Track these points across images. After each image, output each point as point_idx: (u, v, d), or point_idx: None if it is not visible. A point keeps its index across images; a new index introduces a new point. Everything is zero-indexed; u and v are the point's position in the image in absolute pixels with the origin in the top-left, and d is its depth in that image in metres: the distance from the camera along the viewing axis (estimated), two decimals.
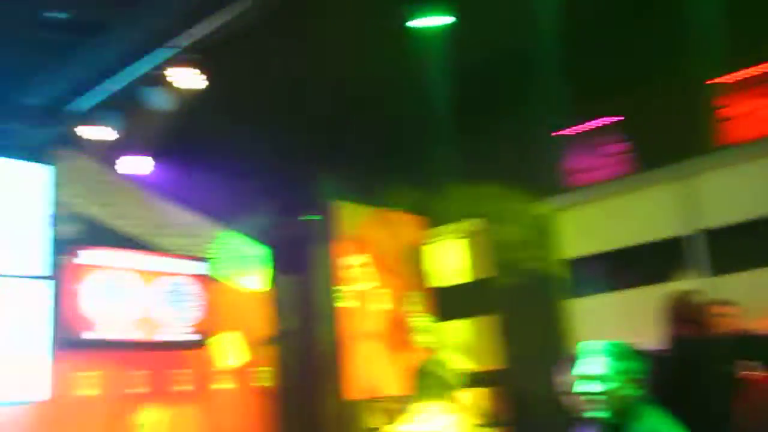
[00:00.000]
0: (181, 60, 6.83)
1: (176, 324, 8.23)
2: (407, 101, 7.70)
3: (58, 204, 7.77)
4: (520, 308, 8.56)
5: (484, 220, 9.26)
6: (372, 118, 8.17)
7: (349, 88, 7.71)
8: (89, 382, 7.66)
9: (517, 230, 8.80)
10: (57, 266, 7.59)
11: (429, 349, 9.03)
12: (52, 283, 7.44)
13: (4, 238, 7.23)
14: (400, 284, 9.21)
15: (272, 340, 9.39)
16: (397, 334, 8.95)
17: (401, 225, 9.50)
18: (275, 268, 9.47)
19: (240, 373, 9.01)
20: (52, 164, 7.79)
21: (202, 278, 8.64)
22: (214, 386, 8.73)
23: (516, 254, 8.73)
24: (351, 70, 7.50)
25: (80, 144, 7.88)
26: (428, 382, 2.93)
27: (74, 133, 7.65)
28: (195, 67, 6.90)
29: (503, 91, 7.85)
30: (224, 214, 9.14)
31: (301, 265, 9.12)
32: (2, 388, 6.89)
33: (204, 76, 6.97)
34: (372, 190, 9.09)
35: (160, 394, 8.17)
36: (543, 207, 8.57)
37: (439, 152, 8.24)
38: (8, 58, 6.76)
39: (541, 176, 8.38)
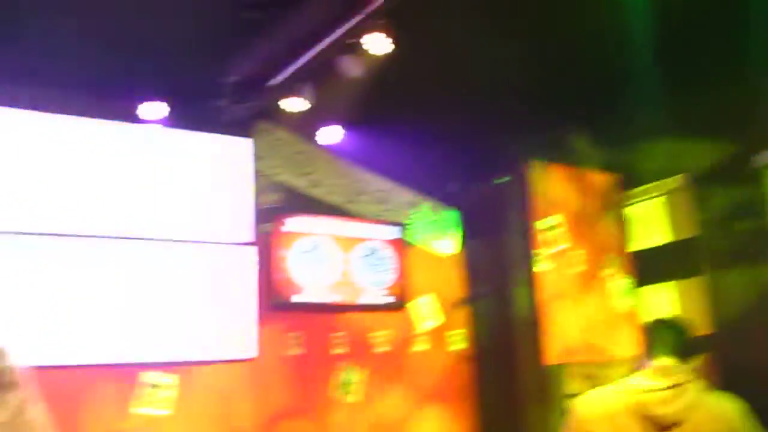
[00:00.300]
0: (372, 26, 6.86)
1: (373, 288, 8.42)
2: (604, 54, 7.31)
3: (259, 175, 8.13)
4: (729, 270, 8.01)
5: (687, 177, 8.70)
6: (566, 74, 7.83)
7: (541, 44, 7.43)
8: (293, 343, 8.03)
9: (725, 186, 8.19)
10: (260, 233, 7.98)
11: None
12: (254, 249, 7.78)
13: (212, 208, 7.66)
14: (597, 246, 8.87)
15: (466, 304, 9.42)
16: (595, 297, 8.65)
17: (598, 184, 9.13)
18: (468, 231, 9.46)
19: (435, 336, 9.11)
20: (253, 137, 8.15)
21: (397, 243, 8.76)
22: (411, 348, 8.88)
23: (723, 212, 8.14)
24: (543, 26, 7.22)
25: (278, 116, 8.21)
26: (661, 339, 2.73)
27: (272, 106, 7.96)
28: (385, 32, 6.91)
29: (714, 39, 7.25)
30: (417, 179, 9.21)
31: (493, 228, 9.04)
32: (213, 347, 7.34)
33: (394, 41, 6.98)
34: (566, 149, 8.79)
35: (359, 355, 8.42)
36: (755, 162, 7.89)
37: (639, 106, 7.79)
38: (209, 39, 7.12)
39: (754, 129, 7.70)
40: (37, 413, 1.73)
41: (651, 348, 2.88)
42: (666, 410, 2.43)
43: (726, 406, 2.46)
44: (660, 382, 2.51)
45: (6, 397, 1.65)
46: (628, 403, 2.57)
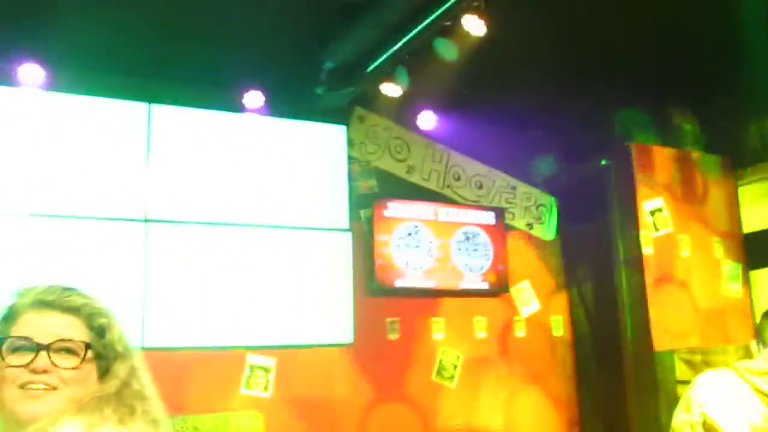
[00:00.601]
0: (467, 8, 6.77)
1: (470, 273, 8.37)
2: (711, 28, 7.00)
3: (355, 161, 8.19)
4: None
5: None
6: (669, 50, 7.53)
7: (643, 20, 7.17)
8: (392, 328, 8.07)
9: None
10: (358, 219, 8.05)
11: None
12: (350, 234, 7.85)
13: (310, 194, 7.77)
14: (704, 229, 8.55)
15: (566, 288, 9.26)
16: (703, 281, 8.34)
17: (703, 165, 8.78)
18: (567, 215, 9.28)
19: (536, 321, 8.99)
20: (348, 124, 8.22)
21: (495, 228, 8.68)
22: (511, 334, 8.80)
23: None
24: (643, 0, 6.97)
25: (373, 102, 8.24)
26: None
27: (368, 92, 7.99)
28: (480, 14, 6.82)
29: None
30: (513, 163, 9.09)
31: (593, 212, 8.83)
32: (312, 331, 7.47)
33: (488, 23, 6.87)
34: (670, 129, 8.48)
35: (458, 340, 8.40)
36: None
37: (749, 83, 7.43)
38: (305, 25, 7.18)
39: None
40: (145, 383, 1.74)
41: (764, 336, 2.80)
42: None
43: None
44: None
45: (116, 367, 1.67)
46: (744, 383, 2.48)
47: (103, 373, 1.63)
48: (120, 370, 1.66)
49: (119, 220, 6.85)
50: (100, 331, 1.68)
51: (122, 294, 6.60)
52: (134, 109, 7.13)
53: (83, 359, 1.64)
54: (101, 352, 1.68)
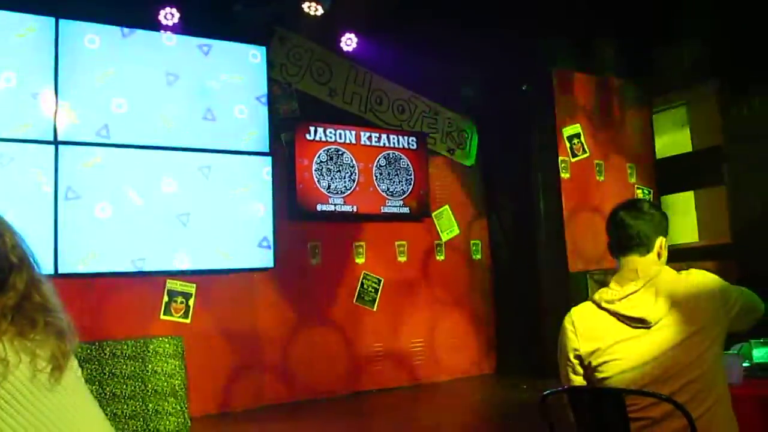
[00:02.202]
0: None
1: (392, 197, 8.39)
2: None
3: (276, 83, 8.00)
4: (751, 180, 7.89)
5: (712, 84, 8.49)
6: None
7: None
8: (313, 252, 8.06)
9: (753, 95, 7.98)
10: (279, 143, 7.91)
11: None
12: (270, 159, 7.73)
13: (229, 117, 7.57)
14: (619, 155, 8.76)
15: (486, 213, 9.40)
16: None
17: (620, 92, 8.95)
18: (488, 140, 9.35)
19: (456, 246, 9.13)
20: (269, 44, 7.98)
21: (416, 153, 8.68)
22: (432, 258, 8.92)
23: (749, 120, 7.96)
24: None
25: (295, 23, 8.01)
26: None
27: (288, 11, 7.75)
28: None
29: None
30: (436, 88, 9.04)
31: (515, 138, 8.93)
32: (231, 257, 7.38)
33: None
34: (590, 56, 8.57)
35: (379, 264, 8.47)
36: None
37: (666, 9, 7.54)
38: None
39: None
40: (48, 295, 1.60)
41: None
42: (635, 314, 2.42)
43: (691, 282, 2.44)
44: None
45: (12, 279, 1.53)
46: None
47: (1, 286, 1.52)
48: (18, 281, 1.53)
49: (28, 142, 6.52)
50: None
51: (33, 218, 6.35)
52: (41, 23, 6.73)
53: None
54: None
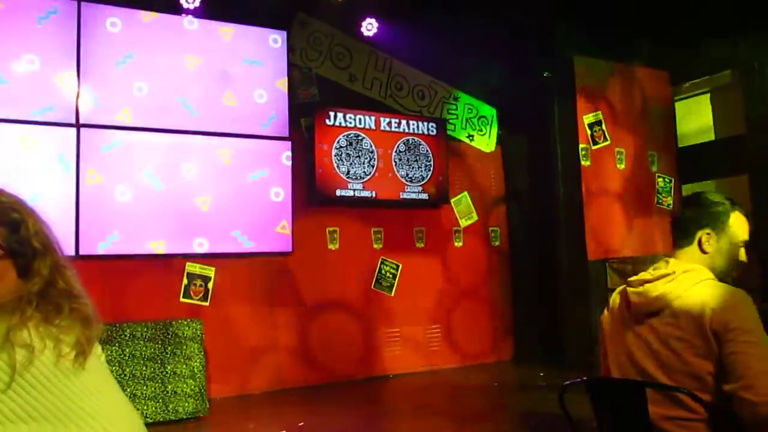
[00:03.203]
0: None
1: (411, 183, 8.38)
2: None
3: (296, 67, 8.00)
4: None
5: (736, 74, 8.40)
6: None
7: None
8: (332, 237, 8.09)
9: None
10: (298, 128, 7.92)
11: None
12: (289, 143, 7.74)
13: (249, 101, 7.58)
14: (640, 143, 8.69)
15: (505, 200, 9.38)
16: (637, 195, 8.54)
17: (643, 80, 8.86)
18: (508, 127, 9.31)
19: (475, 231, 9.12)
20: (290, 29, 7.97)
21: (435, 139, 8.65)
22: (450, 244, 8.92)
23: None
24: None
25: (316, 7, 8.00)
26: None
27: None
28: None
29: None
30: (456, 74, 9.01)
31: (535, 124, 8.88)
32: (250, 241, 7.42)
33: None
34: (612, 43, 8.48)
35: (398, 250, 8.48)
36: None
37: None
38: None
39: None
40: (72, 281, 1.60)
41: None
42: (638, 300, 2.36)
43: (706, 295, 2.24)
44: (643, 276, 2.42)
45: (37, 265, 1.54)
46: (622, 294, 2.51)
47: (24, 271, 1.52)
48: (42, 267, 1.51)
49: (51, 124, 6.58)
50: (13, 227, 1.55)
51: (55, 200, 6.42)
52: (63, 6, 6.76)
53: None
54: (16, 248, 1.55)
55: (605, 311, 2.60)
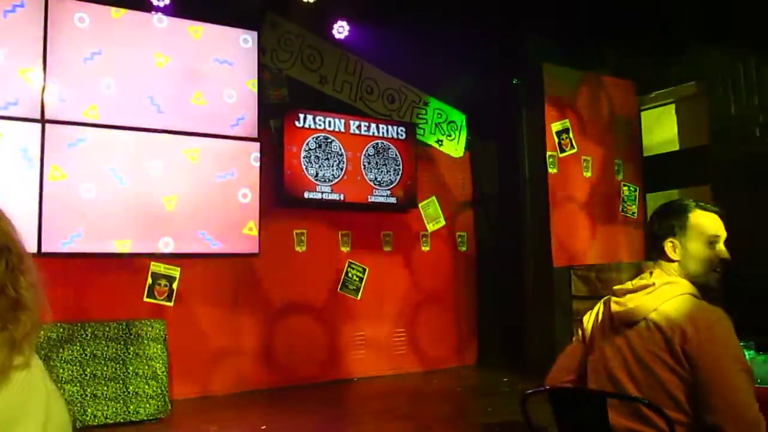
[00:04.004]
0: None
1: (379, 187, 8.39)
2: None
3: (266, 68, 7.96)
4: (736, 180, 7.93)
5: (701, 85, 8.53)
6: None
7: None
8: (299, 239, 8.06)
9: (738, 95, 8.01)
10: (268, 129, 7.88)
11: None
12: (258, 145, 7.71)
13: (218, 101, 7.54)
14: (606, 151, 8.79)
15: (473, 205, 9.43)
16: (602, 202, 8.64)
17: (610, 89, 8.96)
18: (476, 132, 9.36)
19: (441, 236, 9.15)
20: (261, 29, 7.94)
21: (404, 143, 8.68)
22: (417, 248, 8.94)
23: (735, 121, 8.00)
24: None
25: (287, 8, 7.98)
26: None
27: None
28: None
29: None
30: (426, 79, 9.04)
31: (503, 130, 8.95)
32: (216, 241, 7.37)
33: None
34: (581, 52, 8.56)
35: (365, 253, 8.48)
36: None
37: (655, 10, 7.54)
38: None
39: None
40: (23, 287, 1.46)
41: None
42: (618, 309, 2.37)
43: (682, 310, 2.20)
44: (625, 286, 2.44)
45: None
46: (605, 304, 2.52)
47: None
48: None
49: (15, 119, 6.47)
50: None
51: (18, 196, 6.32)
52: (29, 0, 6.66)
53: None
54: None
55: (587, 315, 2.61)
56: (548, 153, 8.24)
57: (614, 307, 2.41)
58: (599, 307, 2.56)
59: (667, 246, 2.40)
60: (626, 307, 2.36)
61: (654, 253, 2.45)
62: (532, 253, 8.46)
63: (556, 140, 8.35)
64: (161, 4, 7.30)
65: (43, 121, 6.60)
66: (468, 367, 9.13)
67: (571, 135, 8.46)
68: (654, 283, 2.34)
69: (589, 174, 8.58)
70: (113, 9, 7.08)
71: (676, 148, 9.20)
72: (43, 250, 6.42)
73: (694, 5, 7.70)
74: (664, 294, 2.31)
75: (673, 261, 2.40)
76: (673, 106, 9.40)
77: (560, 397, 2.49)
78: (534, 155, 8.44)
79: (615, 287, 2.48)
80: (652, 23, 8.12)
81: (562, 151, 8.37)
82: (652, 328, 2.26)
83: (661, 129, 9.46)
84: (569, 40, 8.39)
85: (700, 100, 8.63)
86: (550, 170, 8.21)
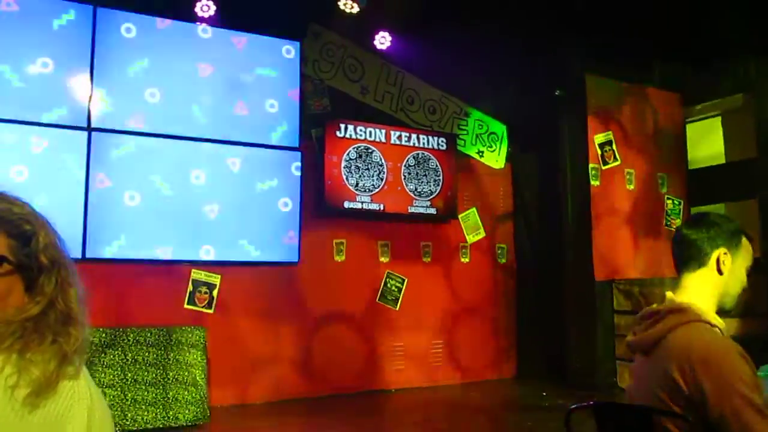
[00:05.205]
0: None
1: (419, 198, 8.37)
2: None
3: (308, 78, 8.01)
4: None
5: (748, 97, 8.37)
6: None
7: None
8: (338, 249, 8.07)
9: None
10: (309, 139, 7.92)
11: None
12: (299, 154, 7.75)
13: (260, 110, 7.60)
14: (650, 164, 8.67)
15: (513, 217, 9.35)
16: (645, 216, 8.52)
17: (655, 101, 8.85)
18: (519, 144, 9.30)
19: (482, 248, 9.09)
20: (303, 40, 8.00)
21: (445, 154, 8.65)
22: (457, 259, 8.89)
23: None
24: None
25: (329, 19, 8.02)
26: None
27: (324, 7, 7.76)
28: None
29: None
30: (468, 90, 9.01)
31: (542, 142, 8.88)
32: (257, 250, 7.42)
33: None
34: (624, 64, 8.47)
35: (404, 264, 8.45)
36: None
37: (702, 21, 7.43)
38: None
39: None
40: (72, 301, 1.49)
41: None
42: (631, 339, 2.28)
43: (693, 339, 2.02)
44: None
45: (42, 281, 1.45)
46: None
47: (30, 285, 1.46)
48: (46, 284, 1.46)
49: (63, 127, 6.60)
50: (24, 239, 1.47)
51: (64, 203, 6.43)
52: (79, 11, 6.80)
53: None
54: (24, 262, 1.46)
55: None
56: (591, 165, 8.16)
57: (630, 336, 2.29)
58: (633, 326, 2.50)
59: (721, 255, 2.19)
60: (640, 335, 2.22)
61: (695, 262, 2.22)
62: (572, 266, 8.36)
63: (599, 152, 8.26)
64: (206, 15, 7.40)
65: (89, 129, 6.72)
66: (506, 380, 9.04)
67: (614, 147, 8.37)
68: (659, 311, 2.18)
69: (632, 187, 8.47)
70: (159, 19, 7.19)
71: (722, 161, 9.05)
72: (87, 255, 6.52)
73: (742, 17, 7.56)
74: (669, 322, 2.14)
75: (721, 273, 2.20)
76: (719, 118, 9.25)
77: (605, 413, 2.42)
78: (576, 167, 8.35)
79: (640, 312, 2.38)
80: (698, 35, 8.00)
81: (605, 163, 8.28)
82: (660, 359, 2.11)
83: (707, 142, 9.32)
84: (613, 51, 8.30)
85: (747, 112, 8.49)
86: (592, 182, 8.13)
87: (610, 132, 8.38)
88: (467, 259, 8.98)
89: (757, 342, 5.51)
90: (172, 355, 6.35)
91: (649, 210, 8.59)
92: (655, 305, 2.26)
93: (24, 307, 1.45)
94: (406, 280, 8.44)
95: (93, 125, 6.74)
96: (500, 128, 9.34)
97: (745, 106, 8.53)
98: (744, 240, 2.27)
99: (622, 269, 8.17)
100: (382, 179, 8.18)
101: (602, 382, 7.92)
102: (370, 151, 8.13)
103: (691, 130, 9.32)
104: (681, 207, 8.84)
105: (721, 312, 2.23)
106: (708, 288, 2.22)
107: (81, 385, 1.45)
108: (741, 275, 2.26)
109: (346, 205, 7.93)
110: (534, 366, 8.96)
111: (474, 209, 9.07)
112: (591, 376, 7.95)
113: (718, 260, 2.20)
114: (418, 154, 8.46)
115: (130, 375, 6.15)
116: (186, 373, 6.36)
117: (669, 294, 2.24)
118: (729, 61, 8.35)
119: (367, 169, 8.09)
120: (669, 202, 8.82)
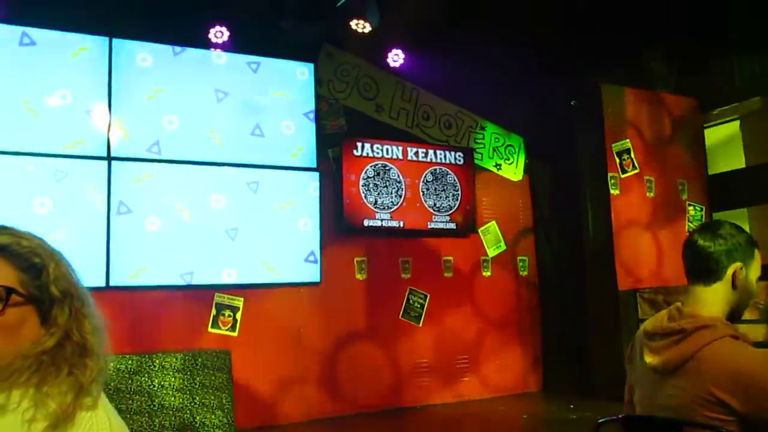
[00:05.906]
0: None
1: (438, 213, 8.37)
2: None
3: (323, 99, 8.06)
4: None
5: (766, 100, 8.31)
6: None
7: None
8: (359, 267, 8.08)
9: None
10: (326, 159, 7.96)
11: None
12: (317, 174, 7.78)
13: (277, 133, 7.66)
14: (671, 171, 8.61)
15: (533, 229, 9.31)
16: (667, 223, 8.45)
17: (671, 107, 8.80)
18: (536, 155, 9.28)
19: (503, 261, 9.05)
20: (317, 61, 8.05)
21: (462, 168, 8.65)
22: (478, 273, 8.86)
23: None
24: None
25: (343, 39, 8.08)
26: None
27: (337, 28, 7.81)
28: None
29: None
30: (483, 103, 9.01)
31: (560, 153, 8.85)
32: (278, 271, 7.44)
33: None
34: (639, 71, 8.45)
35: (426, 280, 8.44)
36: None
37: (716, 24, 7.40)
38: None
39: None
40: (88, 332, 1.48)
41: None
42: (651, 361, 2.23)
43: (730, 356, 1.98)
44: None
45: (55, 313, 1.45)
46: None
47: (45, 318, 1.47)
48: (59, 316, 1.46)
49: (82, 158, 6.68)
50: (34, 272, 1.48)
51: (86, 232, 6.50)
52: (95, 43, 6.90)
53: (6, 304, 1.44)
54: (36, 294, 1.47)
55: (629, 347, 2.49)
56: (609, 174, 8.12)
57: (648, 358, 2.21)
58: (634, 341, 2.43)
59: (737, 270, 2.16)
60: (660, 358, 2.15)
61: (710, 277, 2.17)
62: (596, 277, 8.30)
63: (617, 161, 8.23)
64: (219, 41, 7.47)
65: (109, 158, 6.80)
66: (533, 393, 8.96)
67: (632, 155, 8.33)
68: (684, 329, 2.11)
69: (652, 194, 8.42)
70: (174, 48, 7.28)
71: (742, 165, 8.97)
72: (111, 283, 6.57)
73: (759, 19, 7.52)
74: (699, 339, 2.08)
75: (735, 288, 2.17)
76: (737, 122, 9.19)
77: (634, 426, 2.40)
78: (595, 176, 8.31)
79: (647, 328, 2.27)
80: (714, 37, 7.96)
81: (624, 171, 8.23)
82: (691, 376, 2.06)
83: (726, 146, 9.25)
84: (628, 57, 8.29)
85: (766, 115, 8.42)
86: (612, 192, 8.09)
87: (627, 140, 8.34)
88: (489, 273, 8.94)
89: None
90: (198, 379, 6.37)
91: (670, 217, 8.52)
92: (667, 321, 2.20)
93: (39, 339, 1.46)
94: (428, 296, 8.43)
95: (112, 154, 6.83)
96: (517, 140, 9.33)
97: (764, 108, 8.46)
98: (756, 252, 2.24)
99: (645, 278, 8.11)
100: (400, 196, 8.19)
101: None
102: (387, 168, 8.15)
103: (710, 134, 9.25)
104: (703, 213, 8.76)
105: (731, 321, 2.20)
106: (722, 301, 2.19)
107: (99, 415, 1.45)
108: (753, 287, 2.23)
109: (366, 223, 7.94)
110: (560, 378, 8.88)
111: (494, 222, 9.05)
112: (618, 388, 7.85)
113: (734, 275, 2.17)
114: (435, 169, 8.47)
115: (157, 401, 6.18)
116: (212, 397, 6.38)
117: (687, 309, 2.19)
118: (746, 64, 8.29)
119: (386, 186, 8.10)
120: (690, 208, 8.74)
